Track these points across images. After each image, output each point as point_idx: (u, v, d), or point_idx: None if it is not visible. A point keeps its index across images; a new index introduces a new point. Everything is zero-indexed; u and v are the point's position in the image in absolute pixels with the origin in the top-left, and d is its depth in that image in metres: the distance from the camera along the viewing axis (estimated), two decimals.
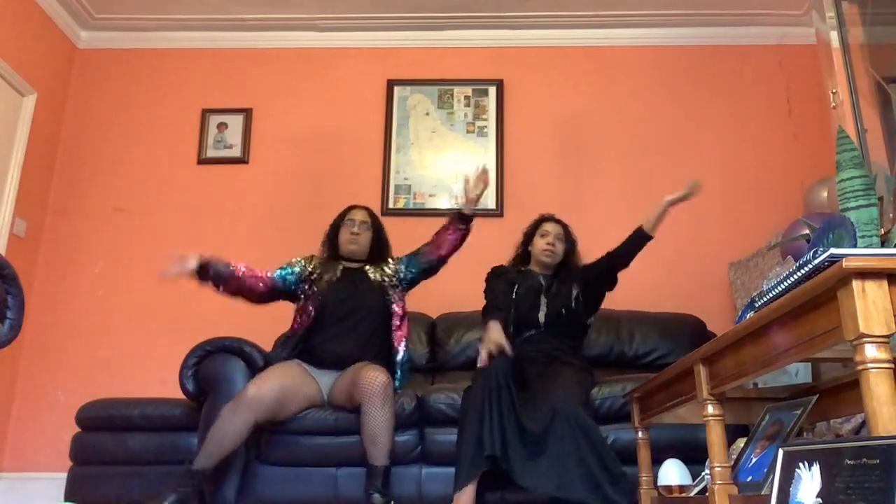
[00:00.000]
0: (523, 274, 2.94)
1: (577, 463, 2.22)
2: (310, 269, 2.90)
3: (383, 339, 2.81)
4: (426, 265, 2.92)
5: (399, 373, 2.78)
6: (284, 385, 2.54)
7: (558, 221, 2.99)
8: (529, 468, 2.25)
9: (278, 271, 2.89)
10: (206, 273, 2.71)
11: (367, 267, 2.92)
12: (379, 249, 3.00)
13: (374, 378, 2.48)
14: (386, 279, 2.89)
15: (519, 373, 2.53)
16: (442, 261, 2.92)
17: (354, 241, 2.92)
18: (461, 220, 2.87)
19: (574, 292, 2.85)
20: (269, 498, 2.53)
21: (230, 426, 2.40)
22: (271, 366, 2.66)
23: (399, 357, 2.80)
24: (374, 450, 2.45)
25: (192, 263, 2.67)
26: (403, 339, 2.84)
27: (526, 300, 2.83)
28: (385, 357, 2.78)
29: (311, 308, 2.80)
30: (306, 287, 2.86)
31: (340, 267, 2.91)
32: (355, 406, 2.51)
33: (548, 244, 2.90)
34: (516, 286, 2.86)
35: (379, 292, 2.85)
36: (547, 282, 2.90)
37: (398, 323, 2.84)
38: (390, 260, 2.98)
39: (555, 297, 2.83)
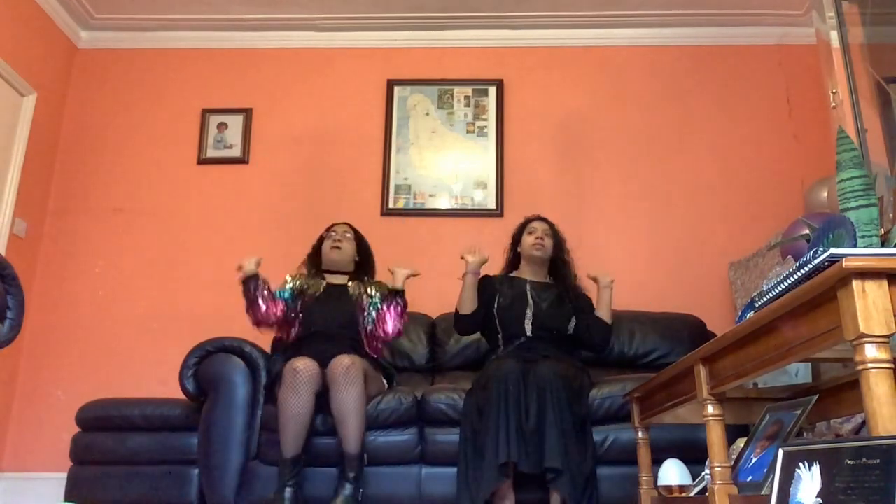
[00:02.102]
0: (509, 281, 2.95)
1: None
2: (298, 285, 2.91)
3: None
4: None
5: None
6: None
7: (545, 220, 3.02)
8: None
9: (287, 293, 2.88)
10: (255, 284, 2.76)
11: (350, 283, 2.94)
12: (363, 262, 3.02)
13: (337, 361, 2.51)
14: (365, 297, 2.89)
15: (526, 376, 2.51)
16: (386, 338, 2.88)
17: (336, 246, 2.95)
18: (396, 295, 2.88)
19: (571, 317, 2.86)
20: (268, 498, 2.53)
21: (301, 406, 2.44)
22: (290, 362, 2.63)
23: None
24: (343, 431, 2.46)
25: (252, 268, 2.78)
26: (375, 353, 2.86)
27: (510, 310, 2.84)
28: (372, 363, 2.81)
29: (297, 323, 2.82)
30: (297, 303, 2.87)
31: (324, 283, 2.93)
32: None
33: (537, 238, 2.93)
34: (498, 297, 2.87)
35: (355, 307, 2.85)
36: (535, 290, 2.90)
37: (369, 339, 2.84)
38: (381, 283, 2.97)
39: (547, 310, 2.84)
